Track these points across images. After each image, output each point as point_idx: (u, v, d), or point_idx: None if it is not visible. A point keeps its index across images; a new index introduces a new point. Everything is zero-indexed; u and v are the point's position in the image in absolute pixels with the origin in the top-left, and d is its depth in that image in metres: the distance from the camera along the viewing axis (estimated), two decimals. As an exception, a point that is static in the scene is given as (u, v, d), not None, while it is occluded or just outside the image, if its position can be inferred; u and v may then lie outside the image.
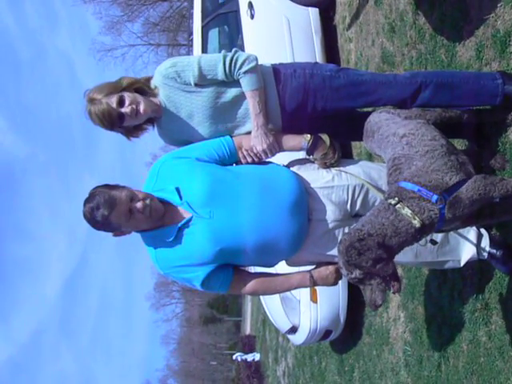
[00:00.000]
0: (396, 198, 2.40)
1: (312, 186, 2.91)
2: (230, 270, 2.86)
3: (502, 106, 3.09)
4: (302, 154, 3.12)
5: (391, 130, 2.79)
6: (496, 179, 2.51)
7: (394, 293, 2.32)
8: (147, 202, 2.69)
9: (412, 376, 4.53)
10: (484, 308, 3.41)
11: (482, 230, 3.22)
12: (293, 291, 6.13)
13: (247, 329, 31.87)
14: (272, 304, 6.83)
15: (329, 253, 2.90)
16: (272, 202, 2.81)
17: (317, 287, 5.88)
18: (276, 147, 2.96)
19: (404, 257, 2.93)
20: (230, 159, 2.97)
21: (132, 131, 2.97)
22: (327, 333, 6.35)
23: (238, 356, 20.46)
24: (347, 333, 6.47)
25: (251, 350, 20.48)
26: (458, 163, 2.57)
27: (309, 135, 2.95)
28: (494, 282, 3.33)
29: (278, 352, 12.82)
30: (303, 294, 6.09)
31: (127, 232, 2.79)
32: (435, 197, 2.38)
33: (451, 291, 3.81)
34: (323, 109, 3.00)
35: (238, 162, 3.01)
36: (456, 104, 3.05)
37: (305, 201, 2.87)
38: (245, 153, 2.97)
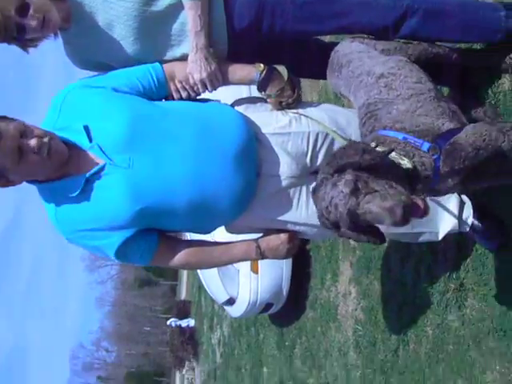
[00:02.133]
0: (374, 143, 1.85)
1: (263, 131, 2.29)
2: (153, 236, 2.23)
3: (501, 45, 2.51)
4: (251, 91, 2.48)
5: (365, 66, 2.20)
6: (506, 126, 1.96)
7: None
8: (45, 140, 1.98)
9: (363, 358, 4.03)
10: (458, 289, 2.90)
11: (465, 198, 2.67)
12: (232, 260, 5.52)
13: (183, 293, 31.44)
14: (208, 273, 6.23)
15: (280, 218, 2.31)
16: (212, 148, 2.17)
17: (259, 256, 5.51)
18: (219, 77, 2.31)
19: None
20: (159, 92, 2.31)
21: (29, 42, 2.21)
22: (268, 306, 5.83)
23: (172, 321, 20.00)
24: (289, 306, 5.95)
25: (186, 316, 20.06)
26: (450, 111, 2.03)
27: (262, 65, 2.32)
28: (473, 259, 2.80)
29: (213, 320, 12.35)
30: (243, 263, 5.49)
31: (16, 181, 2.07)
32: (426, 144, 1.84)
33: (417, 267, 3.29)
34: (281, 31, 2.35)
35: (169, 97, 2.35)
36: (447, 38, 2.46)
37: (253, 150, 2.24)
38: (178, 85, 2.31)
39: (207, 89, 2.33)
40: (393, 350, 3.54)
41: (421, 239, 2.63)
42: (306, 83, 5.08)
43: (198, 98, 2.41)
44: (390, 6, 2.36)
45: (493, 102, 2.68)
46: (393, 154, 1.83)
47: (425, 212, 1.69)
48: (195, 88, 2.32)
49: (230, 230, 2.42)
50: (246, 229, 2.41)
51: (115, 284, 64.97)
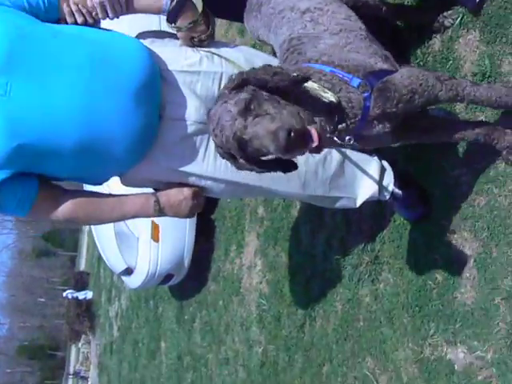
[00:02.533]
0: (295, 74, 1.57)
1: (169, 67, 1.97)
2: (33, 182, 1.88)
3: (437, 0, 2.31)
4: (161, 25, 2.14)
5: (288, 2, 1.95)
6: (444, 75, 1.78)
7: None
8: None
9: (266, 334, 3.81)
10: (372, 262, 2.71)
11: (385, 164, 2.47)
12: (130, 226, 5.14)
13: (82, 265, 30.35)
14: (105, 239, 5.79)
15: (184, 169, 2.02)
16: (107, 80, 1.84)
17: (159, 223, 5.15)
18: (122, 2, 1.94)
19: (288, 186, 2.12)
20: (48, 14, 1.95)
21: None
22: (168, 277, 5.48)
23: (68, 293, 19.14)
24: (190, 278, 5.65)
25: (83, 288, 19.29)
26: (383, 54, 1.81)
27: None
28: (390, 230, 2.62)
29: (111, 292, 11.85)
30: (143, 230, 5.12)
31: None
32: (356, 80, 1.63)
33: (329, 239, 3.08)
34: None
35: (61, 21, 1.95)
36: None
37: (157, 88, 1.92)
38: (73, 7, 1.95)
39: (107, 15, 1.97)
40: (298, 325, 3.34)
41: (338, 205, 2.41)
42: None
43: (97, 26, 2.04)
44: None
45: (421, 63, 2.48)
46: (313, 85, 1.58)
47: (318, 147, 1.44)
48: (93, 13, 1.95)
49: (126, 182, 2.09)
50: (144, 181, 2.09)
51: (12, 254, 62.13)
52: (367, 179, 2.40)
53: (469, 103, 1.85)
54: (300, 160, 2.24)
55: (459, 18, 2.27)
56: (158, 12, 2.00)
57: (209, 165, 2.04)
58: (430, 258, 2.33)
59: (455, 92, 1.76)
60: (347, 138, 1.69)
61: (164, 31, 2.19)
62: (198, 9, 1.99)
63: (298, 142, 1.39)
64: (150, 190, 2.09)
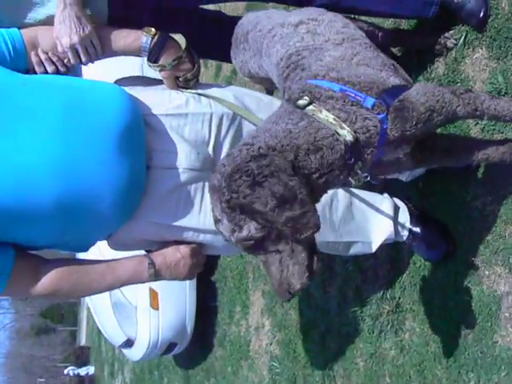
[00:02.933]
0: (306, 98, 1.42)
1: (153, 112, 1.77)
2: (7, 252, 1.63)
3: (436, 21, 2.15)
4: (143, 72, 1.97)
5: (277, 20, 1.79)
6: (459, 89, 1.61)
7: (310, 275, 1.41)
8: None
9: (281, 400, 3.49)
10: (393, 311, 2.46)
11: (398, 201, 2.25)
12: (127, 295, 4.86)
13: (82, 339, 29.59)
14: (102, 311, 5.49)
15: (179, 223, 1.78)
16: (85, 128, 1.64)
17: (158, 289, 4.87)
18: (96, 43, 1.77)
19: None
20: (16, 64, 1.76)
21: None
22: (171, 346, 5.16)
23: (70, 370, 18.55)
24: (195, 345, 5.33)
25: (85, 363, 18.70)
26: (391, 64, 1.64)
27: (153, 29, 1.80)
28: (411, 274, 2.38)
29: (114, 365, 11.40)
30: (141, 298, 4.85)
31: None
32: (370, 100, 1.43)
33: (343, 290, 2.83)
34: None
35: (30, 71, 1.78)
36: (375, 10, 2.09)
37: (141, 135, 1.72)
38: (42, 56, 1.78)
39: (80, 60, 1.79)
40: (316, 387, 3.04)
41: (352, 251, 2.18)
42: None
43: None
44: None
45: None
46: (329, 117, 1.38)
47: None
48: (65, 60, 1.77)
49: (114, 246, 1.86)
50: (135, 243, 1.86)
51: (9, 334, 60.72)
52: (381, 220, 2.18)
53: (489, 119, 1.66)
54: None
55: (462, 37, 2.11)
56: (137, 52, 1.82)
57: (207, 216, 1.82)
58: (460, 300, 2.08)
59: (474, 106, 1.58)
60: (363, 175, 1.49)
61: (145, 77, 2.01)
62: (181, 45, 1.81)
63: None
64: (143, 253, 1.86)
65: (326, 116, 1.39)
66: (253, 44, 1.79)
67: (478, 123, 2.02)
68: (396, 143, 1.49)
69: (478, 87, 2.04)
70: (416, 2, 2.05)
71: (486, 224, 1.98)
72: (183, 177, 1.76)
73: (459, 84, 2.12)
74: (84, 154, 1.59)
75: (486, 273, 1.98)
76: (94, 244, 1.82)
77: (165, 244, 1.83)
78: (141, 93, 1.82)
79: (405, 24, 2.35)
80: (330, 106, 1.40)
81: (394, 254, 2.45)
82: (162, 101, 1.81)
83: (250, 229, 1.31)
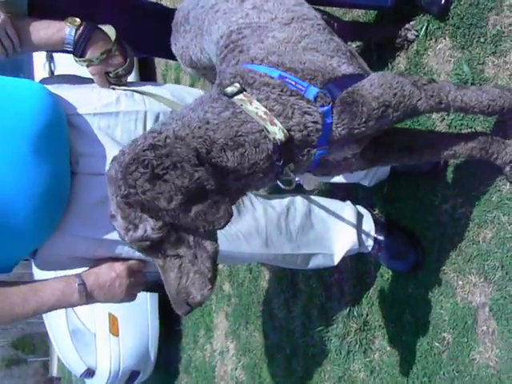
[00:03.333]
0: (236, 84, 1.21)
1: (79, 111, 1.55)
2: None
3: (395, 13, 1.99)
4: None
5: None
6: (422, 79, 1.41)
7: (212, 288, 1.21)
8: None
9: (247, 429, 3.24)
10: (361, 329, 2.25)
11: (361, 209, 2.06)
12: (85, 321, 4.57)
13: (54, 370, 28.73)
14: (60, 339, 5.14)
15: (110, 237, 1.56)
16: None
17: (117, 314, 4.59)
18: (13, 36, 1.57)
19: (248, 245, 1.71)
20: None
21: None
22: (134, 374, 4.86)
23: (41, 402, 17.91)
24: (160, 373, 5.05)
25: (55, 395, 18.09)
26: (347, 50, 1.45)
27: (78, 19, 1.58)
28: (378, 288, 2.18)
29: (82, 397, 10.94)
30: (100, 324, 4.55)
31: None
32: (313, 90, 1.23)
33: (306, 308, 2.61)
34: None
35: None
36: (334, 1, 1.89)
37: (63, 137, 1.50)
38: None
39: None
40: (283, 415, 2.81)
41: (312, 264, 1.97)
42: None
43: None
44: None
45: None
46: (259, 110, 1.18)
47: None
48: None
49: (42, 265, 1.65)
50: (63, 261, 1.63)
51: (-22, 367, 59.00)
52: (343, 229, 1.99)
53: (456, 112, 1.48)
54: (258, 213, 1.85)
55: (424, 28, 1.94)
56: (61, 45, 1.61)
57: (143, 229, 1.60)
58: (433, 314, 1.89)
59: (438, 99, 1.39)
60: (295, 179, 1.30)
61: (76, 76, 1.80)
62: (110, 37, 1.61)
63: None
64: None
65: (255, 108, 1.18)
66: (194, 23, 1.59)
67: (444, 119, 1.85)
68: (342, 141, 1.30)
69: (443, 79, 1.87)
70: (372, -11, 1.89)
71: (457, 229, 1.79)
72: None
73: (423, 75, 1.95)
74: None
75: (460, 283, 1.79)
76: (16, 263, 1.58)
77: (98, 262, 1.60)
78: (66, 91, 1.61)
79: (363, 17, 2.18)
80: (264, 95, 1.20)
81: (359, 266, 2.25)
82: (89, 99, 1.60)
83: (147, 228, 1.11)
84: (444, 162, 1.85)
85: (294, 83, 1.23)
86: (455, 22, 1.83)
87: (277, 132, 1.18)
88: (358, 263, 2.25)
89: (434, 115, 1.87)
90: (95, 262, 1.61)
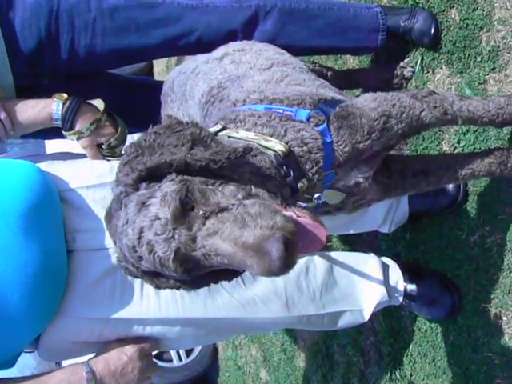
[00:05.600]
0: (218, 125, 1.15)
1: (73, 186, 1.48)
2: None
3: (387, 53, 1.96)
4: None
5: (201, 59, 1.58)
6: (421, 92, 1.34)
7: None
8: None
9: None
10: (408, 391, 2.04)
11: (386, 259, 1.93)
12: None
13: None
14: None
15: (116, 316, 1.47)
16: None
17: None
18: (4, 119, 1.57)
19: (267, 310, 1.57)
20: None
21: None
22: None
23: None
24: None
25: None
26: (334, 88, 1.42)
27: (64, 94, 1.56)
28: (417, 343, 2.01)
29: None
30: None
31: None
32: (304, 111, 1.16)
33: (345, 379, 2.41)
34: (89, 52, 1.68)
35: None
36: (317, 44, 1.86)
37: (54, 214, 1.43)
38: None
39: None
40: None
41: (341, 323, 1.81)
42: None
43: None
44: (235, 8, 1.76)
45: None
46: (248, 134, 1.10)
47: (322, 238, 0.96)
48: None
49: (47, 354, 1.54)
50: (69, 348, 1.51)
51: None
52: (369, 283, 1.84)
53: (465, 123, 1.39)
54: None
55: (419, 62, 1.90)
56: (49, 121, 1.57)
57: (150, 302, 1.49)
58: (482, 359, 1.70)
59: (442, 109, 1.31)
60: (315, 196, 1.18)
61: (69, 153, 1.76)
62: (98, 108, 1.58)
63: (294, 250, 0.88)
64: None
65: (244, 134, 1.10)
66: (178, 90, 1.55)
67: (455, 147, 1.75)
68: (350, 163, 1.21)
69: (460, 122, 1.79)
70: (360, 30, 1.85)
71: (490, 260, 1.65)
72: (115, 258, 1.45)
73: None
74: None
75: (504, 318, 1.63)
76: (17, 355, 1.47)
77: (106, 345, 1.48)
78: (57, 167, 1.56)
79: (353, 63, 2.14)
80: (251, 124, 1.12)
81: (394, 323, 2.08)
82: (82, 172, 1.54)
83: (166, 187, 0.93)
84: (463, 192, 1.74)
85: (281, 111, 1.16)
86: (448, 48, 1.78)
87: (274, 144, 1.09)
88: (392, 320, 2.09)
89: (445, 146, 1.78)
90: (103, 346, 1.49)
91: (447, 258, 1.83)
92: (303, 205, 1.14)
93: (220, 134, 1.13)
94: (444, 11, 1.79)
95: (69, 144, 1.71)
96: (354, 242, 2.22)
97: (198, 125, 1.03)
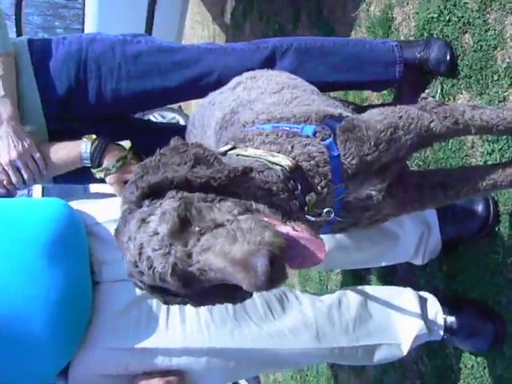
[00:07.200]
0: (228, 145, 1.18)
1: (100, 220, 1.53)
2: None
3: (406, 85, 1.98)
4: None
5: (216, 91, 1.63)
6: (430, 104, 1.35)
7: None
8: None
9: None
10: None
11: (424, 294, 1.86)
12: None
13: None
14: None
15: (142, 345, 1.47)
16: (6, 241, 1.37)
17: None
18: (38, 159, 1.63)
19: (297, 341, 1.53)
20: None
21: None
22: None
23: None
24: None
25: None
26: (346, 108, 1.44)
27: (94, 135, 1.66)
28: (465, 381, 1.89)
29: None
30: None
31: None
32: (309, 127, 1.18)
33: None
34: (115, 96, 1.78)
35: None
36: (335, 80, 1.90)
37: (81, 245, 1.47)
38: None
39: (23, 178, 1.64)
40: None
41: (378, 357, 1.74)
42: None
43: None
44: (252, 49, 1.85)
45: (422, 164, 2.04)
46: (256, 152, 1.13)
47: (319, 253, 0.95)
48: (4, 181, 1.63)
49: None
50: (96, 380, 1.49)
51: None
52: (406, 316, 1.78)
53: (479, 133, 1.37)
54: (304, 307, 1.69)
55: (439, 91, 1.90)
56: (79, 160, 1.66)
57: (176, 332, 1.48)
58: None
59: (453, 119, 1.30)
60: (325, 210, 1.17)
61: (101, 193, 1.82)
62: (124, 146, 1.65)
63: (283, 264, 0.90)
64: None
65: (253, 152, 1.12)
66: (198, 124, 1.60)
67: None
68: (360, 176, 1.20)
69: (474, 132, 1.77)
70: (377, 64, 1.89)
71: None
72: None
73: (452, 140, 1.86)
74: (3, 266, 1.32)
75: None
76: None
77: (133, 379, 1.47)
78: (87, 204, 1.62)
79: (374, 98, 2.17)
80: (259, 142, 1.14)
81: (439, 363, 1.98)
82: (109, 208, 1.59)
83: (166, 205, 0.96)
84: (494, 212, 1.69)
85: (288, 129, 1.18)
86: (466, 72, 1.78)
87: (281, 160, 1.10)
88: (437, 359, 1.98)
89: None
90: (130, 380, 1.47)
91: (486, 285, 1.75)
92: (312, 219, 1.14)
93: (229, 152, 1.16)
94: (458, 38, 1.81)
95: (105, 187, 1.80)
96: (391, 282, 2.16)
97: (202, 145, 1.05)
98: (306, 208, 1.13)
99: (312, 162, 1.13)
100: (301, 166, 1.12)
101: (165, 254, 0.93)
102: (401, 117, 1.25)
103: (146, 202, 0.99)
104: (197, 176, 0.97)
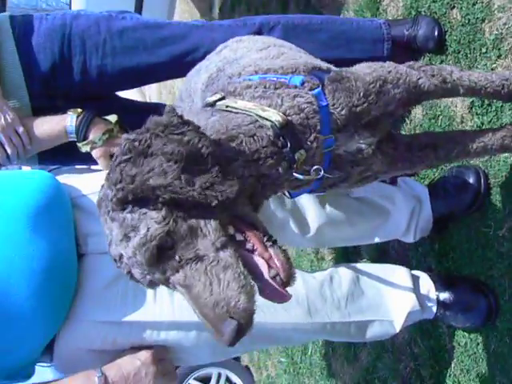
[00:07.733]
0: (217, 94, 1.17)
1: (85, 192, 1.51)
2: None
3: (395, 61, 1.96)
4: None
5: (205, 59, 1.58)
6: (417, 63, 1.39)
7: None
8: None
9: None
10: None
11: (417, 272, 1.85)
12: None
13: None
14: None
15: (129, 318, 1.45)
16: None
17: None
18: (22, 134, 1.62)
19: (286, 315, 1.50)
20: None
21: None
22: None
23: None
24: None
25: None
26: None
27: (79, 109, 1.65)
28: (459, 359, 1.87)
29: None
30: None
31: None
32: (297, 77, 1.17)
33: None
34: (101, 72, 1.76)
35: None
36: (322, 57, 1.87)
37: (66, 216, 1.45)
38: None
39: (6, 153, 1.62)
40: None
41: (370, 334, 1.72)
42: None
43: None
44: (239, 25, 1.84)
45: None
46: (246, 104, 1.11)
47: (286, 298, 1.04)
48: None
49: (61, 364, 1.49)
50: (83, 355, 1.46)
51: None
52: (398, 292, 1.76)
53: (467, 94, 1.36)
54: (296, 283, 1.66)
55: (427, 68, 1.89)
56: (64, 134, 1.64)
57: (164, 305, 1.46)
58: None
59: (441, 77, 1.30)
60: (313, 168, 1.15)
61: (87, 168, 1.81)
62: (110, 120, 1.63)
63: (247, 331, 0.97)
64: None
65: (243, 104, 1.11)
66: (186, 95, 1.58)
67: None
68: (350, 128, 1.19)
69: (461, 108, 1.77)
70: (364, 41, 1.89)
71: (521, 250, 1.56)
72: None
73: (441, 118, 1.86)
74: None
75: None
76: (32, 364, 1.43)
77: (121, 353, 1.44)
78: (73, 178, 1.60)
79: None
80: (249, 96, 1.12)
81: (433, 343, 1.96)
82: (94, 180, 1.56)
83: (149, 224, 0.93)
84: (485, 184, 1.68)
85: (275, 79, 1.16)
86: (454, 48, 1.78)
87: (272, 115, 1.08)
88: (429, 340, 1.97)
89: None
90: (117, 354, 1.44)
91: (478, 261, 1.74)
92: (301, 177, 1.13)
93: (218, 103, 1.15)
94: (445, 13, 1.81)
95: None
96: (383, 263, 2.13)
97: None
98: (294, 166, 1.12)
99: (302, 115, 1.12)
100: (291, 121, 1.11)
101: (143, 274, 0.99)
102: (390, 71, 1.25)
103: (129, 208, 0.96)
104: (181, 192, 0.93)
